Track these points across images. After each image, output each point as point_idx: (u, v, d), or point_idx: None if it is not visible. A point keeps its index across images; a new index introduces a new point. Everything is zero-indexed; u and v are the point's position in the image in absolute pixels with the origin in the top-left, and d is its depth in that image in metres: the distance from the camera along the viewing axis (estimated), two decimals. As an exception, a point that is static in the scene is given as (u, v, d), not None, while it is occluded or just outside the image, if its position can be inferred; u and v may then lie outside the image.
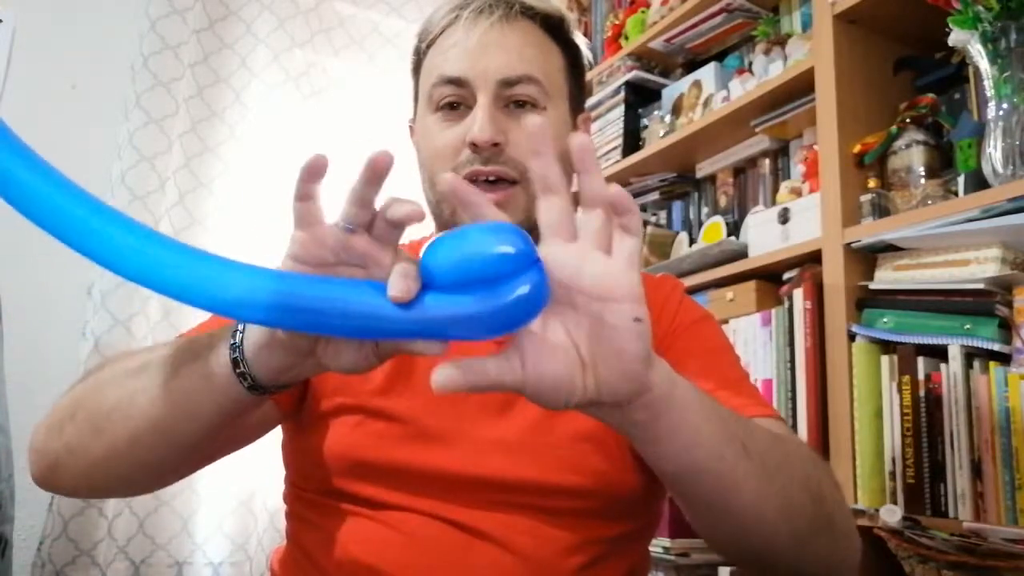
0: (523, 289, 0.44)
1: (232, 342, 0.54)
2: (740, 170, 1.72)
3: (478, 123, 0.75)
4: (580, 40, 0.87)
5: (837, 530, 0.64)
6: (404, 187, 0.96)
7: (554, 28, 0.83)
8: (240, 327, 0.55)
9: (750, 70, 1.64)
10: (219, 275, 0.46)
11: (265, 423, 0.76)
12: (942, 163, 1.25)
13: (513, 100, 0.77)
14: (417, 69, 0.85)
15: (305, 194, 0.48)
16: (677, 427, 0.51)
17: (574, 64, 0.85)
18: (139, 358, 0.63)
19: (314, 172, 0.47)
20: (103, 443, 0.61)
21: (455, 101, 0.78)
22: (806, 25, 1.58)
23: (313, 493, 0.76)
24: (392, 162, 0.46)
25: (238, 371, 0.54)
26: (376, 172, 0.46)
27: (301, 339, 0.50)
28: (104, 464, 0.63)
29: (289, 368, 0.53)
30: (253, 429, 0.75)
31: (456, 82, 0.77)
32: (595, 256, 0.45)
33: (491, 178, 0.76)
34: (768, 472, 0.57)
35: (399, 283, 0.44)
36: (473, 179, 0.76)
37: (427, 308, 0.45)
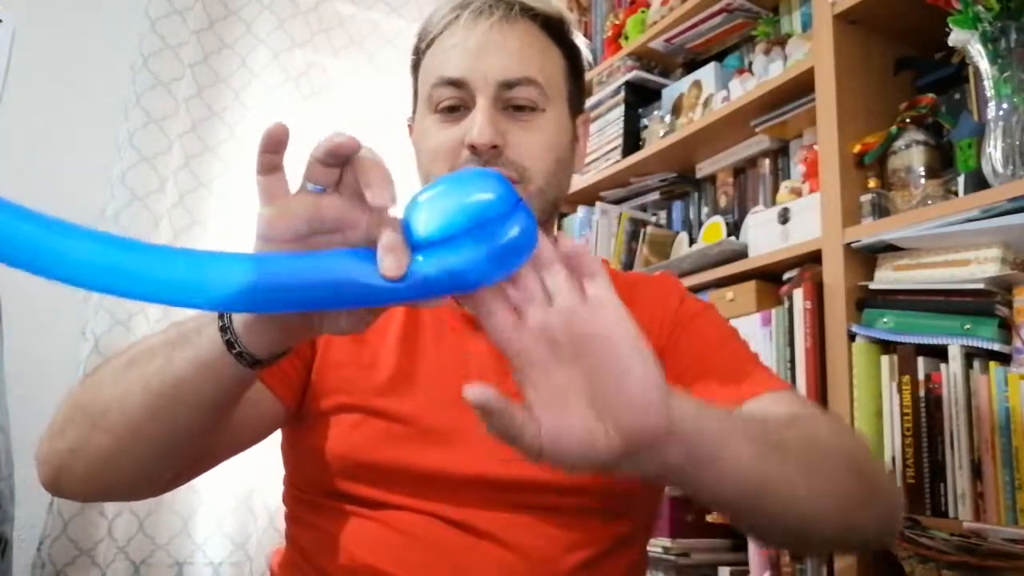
0: (513, 232, 0.44)
1: (221, 323, 0.53)
2: (740, 170, 1.72)
3: (477, 126, 0.74)
4: (580, 41, 0.86)
5: (880, 493, 0.65)
6: (404, 186, 0.96)
7: (554, 29, 0.82)
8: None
9: (750, 70, 1.64)
10: (193, 271, 0.44)
11: (270, 421, 0.75)
12: (942, 163, 1.25)
13: (512, 103, 0.77)
14: (416, 68, 0.85)
15: (268, 167, 0.46)
16: (716, 458, 0.48)
17: (574, 65, 0.85)
18: (131, 352, 0.63)
19: (275, 142, 0.46)
20: (104, 440, 0.61)
21: (454, 104, 0.78)
22: (806, 25, 1.58)
23: (313, 495, 0.76)
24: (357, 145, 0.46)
25: (234, 352, 0.53)
26: (338, 152, 0.45)
27: (295, 315, 0.49)
28: (106, 461, 0.62)
29: (286, 340, 0.53)
30: (258, 427, 0.74)
31: (455, 83, 0.77)
32: (576, 305, 0.45)
33: None
34: (813, 470, 0.57)
35: (389, 260, 0.43)
36: None
37: (418, 270, 0.44)
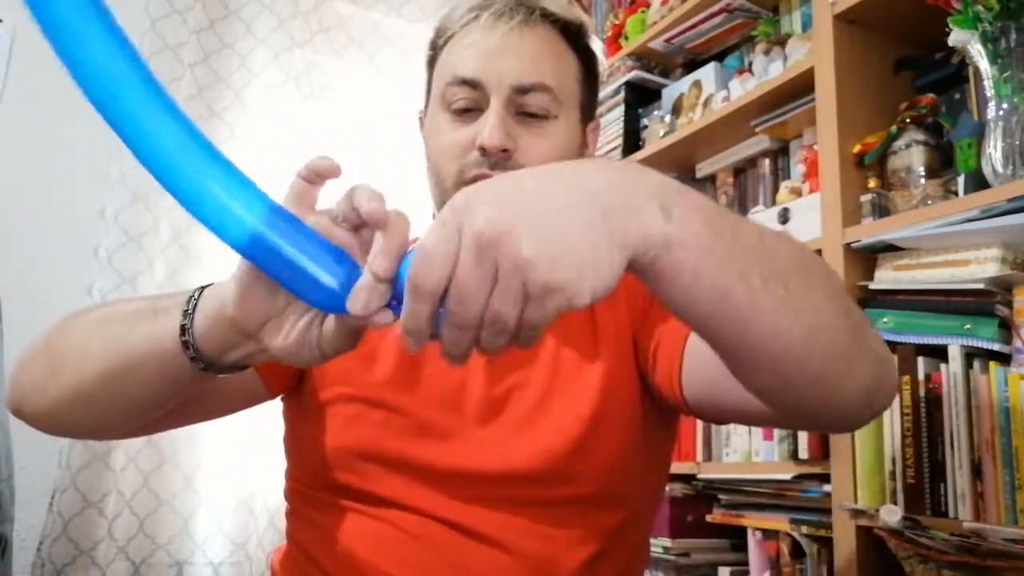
0: None
1: (185, 308, 0.54)
2: (740, 170, 1.72)
3: (488, 129, 0.75)
4: (596, 47, 0.87)
5: (868, 340, 0.57)
6: (411, 179, 0.96)
7: (572, 35, 0.82)
8: (195, 295, 0.55)
9: (750, 70, 1.64)
10: (225, 186, 0.46)
11: (249, 396, 0.76)
12: (942, 163, 1.25)
13: (524, 110, 0.77)
14: (432, 63, 0.85)
15: (312, 179, 0.49)
16: (678, 273, 0.45)
17: (588, 71, 0.85)
18: (110, 308, 0.64)
19: (324, 174, 0.48)
20: (58, 387, 0.62)
21: (468, 106, 0.78)
22: (806, 25, 1.58)
23: (314, 489, 0.77)
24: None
25: (183, 338, 0.54)
26: (370, 218, 0.46)
27: (249, 319, 0.50)
28: (59, 407, 0.64)
29: (232, 347, 0.53)
30: (233, 400, 0.75)
31: (470, 83, 0.77)
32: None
33: None
34: (790, 300, 0.50)
35: (356, 298, 0.44)
36: (479, 180, 0.76)
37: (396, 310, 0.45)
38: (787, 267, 0.51)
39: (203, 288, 0.56)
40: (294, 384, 0.78)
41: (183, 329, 0.54)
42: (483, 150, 0.75)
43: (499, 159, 0.75)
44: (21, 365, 0.66)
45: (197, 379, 0.58)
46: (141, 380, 0.59)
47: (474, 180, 0.76)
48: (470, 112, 0.78)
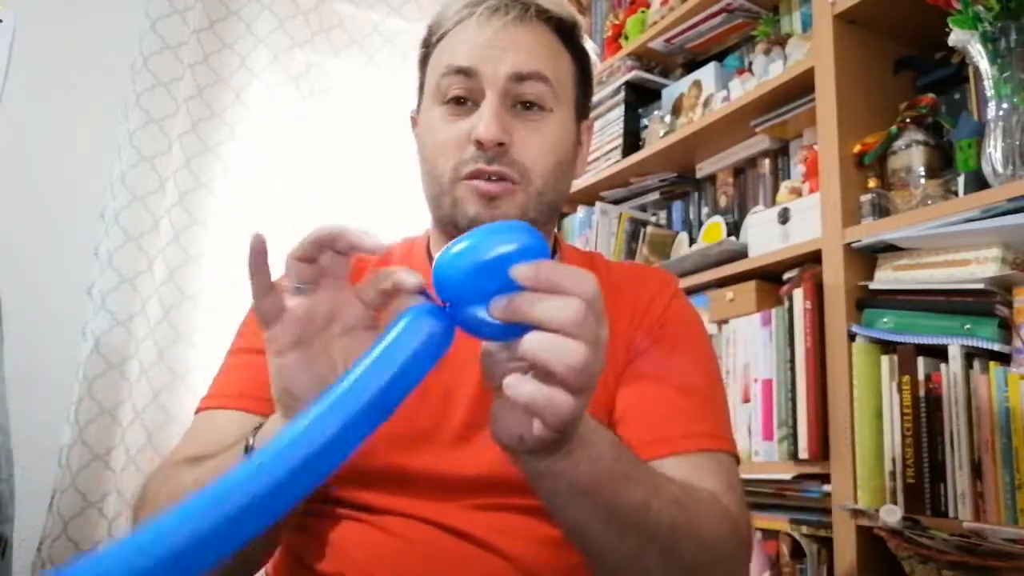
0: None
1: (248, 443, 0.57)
2: (740, 170, 1.72)
3: (484, 122, 0.74)
4: (590, 47, 0.86)
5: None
6: (410, 179, 0.95)
7: (566, 33, 0.82)
8: (253, 431, 0.58)
9: (750, 70, 1.64)
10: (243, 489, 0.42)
11: None
12: (942, 163, 1.25)
13: (521, 100, 0.77)
14: (424, 61, 0.85)
15: (256, 271, 0.50)
16: (546, 499, 0.55)
17: (582, 70, 0.85)
18: (185, 480, 0.63)
19: (261, 257, 0.49)
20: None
21: (463, 96, 0.77)
22: (806, 25, 1.58)
23: (306, 500, 0.76)
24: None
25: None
26: (319, 242, 0.49)
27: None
28: None
29: None
30: None
31: (465, 72, 0.76)
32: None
33: (493, 177, 0.75)
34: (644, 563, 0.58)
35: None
36: (476, 176, 0.75)
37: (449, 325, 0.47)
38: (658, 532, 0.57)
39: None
40: None
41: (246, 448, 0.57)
42: (479, 144, 0.74)
43: (495, 153, 0.74)
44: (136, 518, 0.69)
45: None
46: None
47: (470, 175, 0.75)
48: (465, 106, 0.77)
